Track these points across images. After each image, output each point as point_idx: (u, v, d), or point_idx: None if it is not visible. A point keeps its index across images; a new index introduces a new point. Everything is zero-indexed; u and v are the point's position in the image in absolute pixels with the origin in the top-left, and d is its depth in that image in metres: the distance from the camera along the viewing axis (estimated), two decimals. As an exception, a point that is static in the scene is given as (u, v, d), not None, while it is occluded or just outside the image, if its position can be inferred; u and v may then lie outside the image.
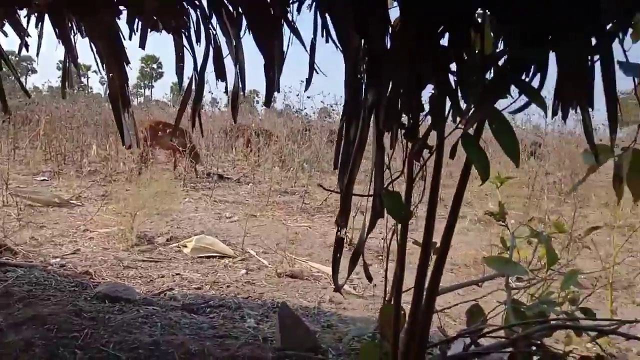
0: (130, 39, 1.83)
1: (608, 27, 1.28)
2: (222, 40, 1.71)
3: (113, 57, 1.93)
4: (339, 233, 1.59)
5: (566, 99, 1.32)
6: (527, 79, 1.30)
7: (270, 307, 2.74)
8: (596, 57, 1.23)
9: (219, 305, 2.77)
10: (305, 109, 11.32)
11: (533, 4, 1.20)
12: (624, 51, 1.28)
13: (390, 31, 1.47)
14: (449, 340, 1.42)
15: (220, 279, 3.44)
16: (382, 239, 3.22)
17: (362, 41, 1.51)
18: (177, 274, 3.50)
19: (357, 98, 1.55)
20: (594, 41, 1.25)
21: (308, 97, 10.04)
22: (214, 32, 1.73)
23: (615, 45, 1.24)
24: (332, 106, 10.84)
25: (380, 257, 4.25)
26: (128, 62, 2.01)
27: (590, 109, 1.31)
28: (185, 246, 4.25)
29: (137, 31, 1.81)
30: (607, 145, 1.36)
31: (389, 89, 1.44)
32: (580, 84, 1.28)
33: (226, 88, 1.72)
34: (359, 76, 1.56)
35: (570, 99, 1.32)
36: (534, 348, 1.36)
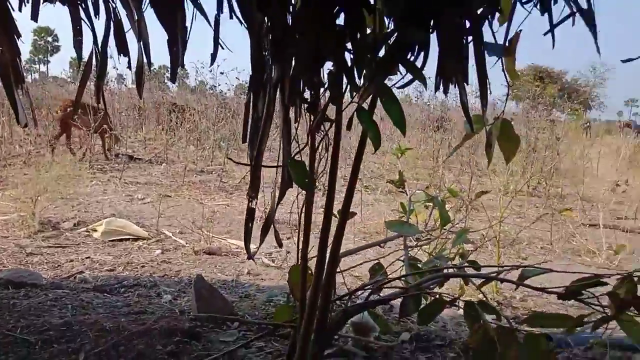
0: (20, 10, 1.72)
1: (479, 11, 1.47)
2: (122, 13, 1.67)
3: (1, 28, 1.80)
4: (250, 204, 1.67)
5: (447, 76, 1.49)
6: (412, 58, 1.45)
7: (187, 283, 2.77)
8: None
9: (133, 285, 2.75)
10: (219, 85, 11.07)
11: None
12: (493, 33, 1.48)
13: (291, 9, 1.55)
14: (352, 293, 1.57)
15: (134, 260, 3.38)
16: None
17: (265, 18, 1.57)
18: (87, 258, 3.38)
19: (263, 73, 1.63)
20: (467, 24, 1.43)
21: (222, 73, 9.79)
22: (114, 5, 1.69)
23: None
24: (246, 83, 10.69)
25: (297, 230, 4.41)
26: (19, 35, 1.89)
27: (466, 84, 1.49)
28: (95, 230, 4.08)
29: (27, 2, 1.72)
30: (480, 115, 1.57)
31: (292, 65, 1.53)
32: (458, 63, 1.45)
33: (129, 63, 1.69)
34: (264, 52, 1.63)
35: (450, 75, 1.48)
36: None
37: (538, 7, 1.42)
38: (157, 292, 2.61)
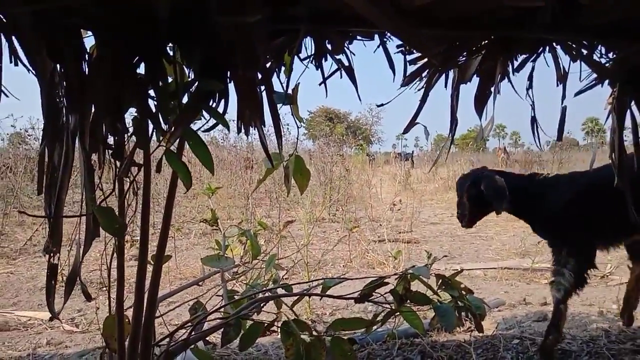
0: None
1: (268, 65, 1.72)
2: None
3: None
4: (51, 259, 1.55)
5: (246, 120, 1.67)
6: (214, 104, 1.60)
7: (-33, 370, 2.30)
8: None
9: None
10: (-12, 135, 9.42)
11: (210, 43, 1.50)
12: (281, 83, 1.74)
13: (87, 57, 1.54)
14: (172, 333, 1.58)
15: None
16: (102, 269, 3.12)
17: (58, 66, 1.53)
18: None
19: (57, 122, 1.57)
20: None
21: (-8, 121, 8.39)
22: None
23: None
24: (27, 131, 9.36)
25: (104, 288, 4.04)
26: None
27: (264, 126, 1.70)
28: None
29: None
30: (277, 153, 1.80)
31: (92, 112, 1.52)
32: (255, 109, 1.65)
33: None
34: (57, 100, 1.58)
35: (249, 120, 1.68)
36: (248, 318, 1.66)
37: (314, 63, 1.74)
38: None
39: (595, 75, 1.80)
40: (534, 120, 1.96)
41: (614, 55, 1.75)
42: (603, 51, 1.77)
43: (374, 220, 7.18)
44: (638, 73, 1.75)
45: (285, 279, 2.55)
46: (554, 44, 1.75)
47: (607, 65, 1.77)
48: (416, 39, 1.46)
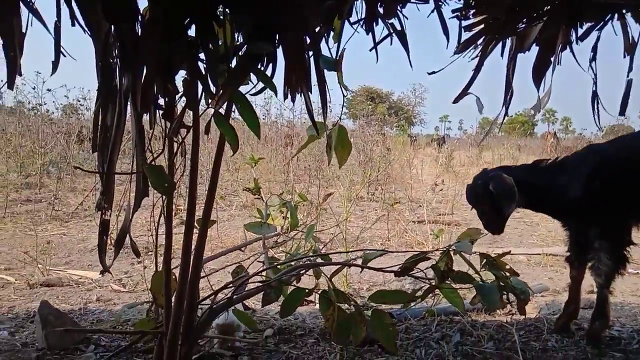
0: None
1: (317, 29, 1.69)
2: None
3: None
4: (103, 215, 1.61)
5: (293, 86, 1.66)
6: (262, 68, 1.59)
7: (26, 318, 2.45)
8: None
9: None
10: (45, 104, 9.84)
11: (260, 5, 1.48)
12: (329, 49, 1.71)
13: (140, 18, 1.56)
14: (216, 293, 1.62)
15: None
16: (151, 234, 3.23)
17: (112, 27, 1.56)
18: None
19: (111, 83, 1.60)
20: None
21: (48, 90, 8.75)
22: None
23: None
24: (79, 101, 9.71)
25: (151, 253, 4.20)
26: None
27: (310, 93, 1.68)
28: None
29: None
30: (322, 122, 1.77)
31: (144, 74, 1.54)
32: (302, 74, 1.62)
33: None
34: (111, 61, 1.61)
35: (296, 86, 1.66)
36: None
37: (364, 27, 1.70)
38: (-14, 333, 2.26)
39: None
40: (595, 95, 1.83)
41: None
42: (680, 19, 1.63)
43: (414, 201, 7.08)
44: None
45: (331, 253, 2.55)
46: (624, 10, 1.63)
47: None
48: None
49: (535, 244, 5.01)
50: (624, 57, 1.72)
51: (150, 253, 4.49)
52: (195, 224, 1.70)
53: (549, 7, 1.62)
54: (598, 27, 1.69)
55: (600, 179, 2.08)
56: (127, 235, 1.63)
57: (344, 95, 1.93)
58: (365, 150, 9.29)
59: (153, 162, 1.54)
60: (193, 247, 1.64)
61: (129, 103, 1.57)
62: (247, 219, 5.89)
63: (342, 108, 2.21)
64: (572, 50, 1.75)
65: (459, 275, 1.92)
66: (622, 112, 1.82)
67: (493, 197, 2.17)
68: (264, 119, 11.29)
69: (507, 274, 1.99)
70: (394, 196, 7.44)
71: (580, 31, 1.70)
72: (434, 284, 1.94)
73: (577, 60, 1.78)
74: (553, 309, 2.88)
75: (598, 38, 1.77)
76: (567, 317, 2.25)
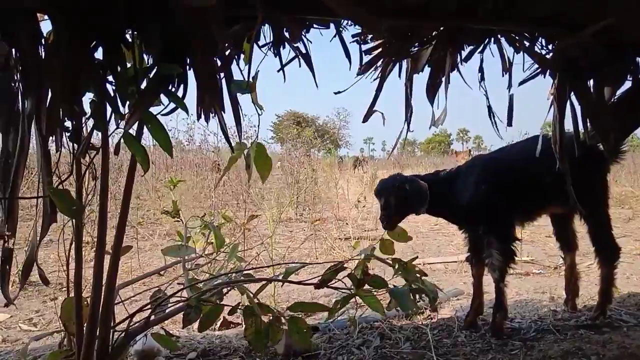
0: None
1: (227, 53, 1.76)
2: None
3: None
4: (6, 243, 1.54)
5: (205, 106, 1.70)
6: (174, 89, 1.62)
7: None
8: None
9: None
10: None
11: (169, 29, 1.53)
12: (242, 71, 1.78)
13: (44, 41, 1.54)
14: (132, 315, 1.59)
15: None
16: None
17: (14, 50, 1.53)
18: None
19: (13, 107, 1.56)
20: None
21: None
22: None
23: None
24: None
25: (64, 289, 3.94)
26: None
27: (223, 113, 1.73)
28: None
29: None
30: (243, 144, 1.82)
31: (49, 97, 1.51)
32: (214, 94, 1.68)
33: None
34: (12, 84, 1.57)
35: (208, 106, 1.70)
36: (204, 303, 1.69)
37: (272, 50, 1.79)
38: None
39: (536, 65, 1.93)
40: (490, 109, 2.06)
41: (553, 46, 1.88)
42: (543, 43, 1.90)
43: (341, 220, 7.26)
44: (576, 64, 1.88)
45: (254, 268, 2.56)
46: (499, 35, 1.87)
47: (547, 56, 1.90)
48: (373, 25, 1.52)
49: (452, 253, 5.33)
50: (502, 75, 1.97)
51: (64, 289, 4.21)
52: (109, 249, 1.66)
53: (436, 32, 1.82)
54: (479, 50, 1.92)
55: (484, 184, 2.36)
56: (35, 264, 1.57)
57: (259, 115, 2.00)
58: (292, 173, 9.42)
59: (61, 186, 1.50)
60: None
61: (32, 126, 1.54)
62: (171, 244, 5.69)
63: (258, 128, 2.28)
64: (459, 71, 1.97)
65: (374, 280, 2.03)
66: (509, 123, 2.07)
67: (407, 196, 2.36)
68: (187, 144, 11.08)
69: (418, 275, 2.13)
70: (322, 216, 7.59)
71: (465, 54, 1.92)
72: (353, 292, 2.04)
73: (464, 80, 2.01)
74: (467, 310, 3.09)
75: (482, 60, 2.01)
76: (474, 313, 2.46)
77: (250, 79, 1.80)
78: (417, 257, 2.36)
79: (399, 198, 2.38)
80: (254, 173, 1.92)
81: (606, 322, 2.32)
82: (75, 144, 1.55)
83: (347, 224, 6.62)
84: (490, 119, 2.07)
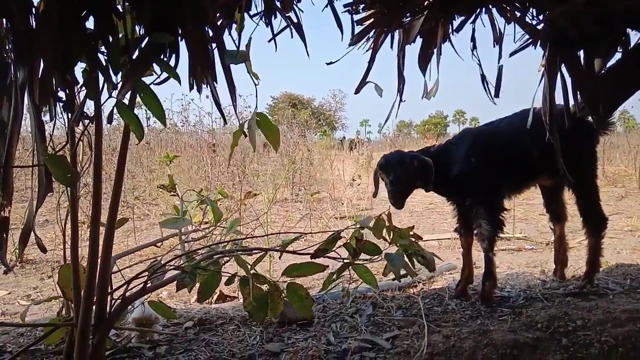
0: None
1: (219, 22, 1.76)
2: None
3: None
4: (2, 212, 1.56)
5: (197, 77, 1.70)
6: (165, 59, 1.63)
7: None
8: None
9: None
10: None
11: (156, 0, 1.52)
12: (233, 40, 1.78)
13: (34, 11, 1.54)
14: (129, 282, 1.62)
15: None
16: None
17: (4, 20, 1.53)
18: None
19: (5, 77, 1.56)
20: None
21: None
22: None
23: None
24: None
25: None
26: None
27: (216, 83, 1.73)
28: None
29: None
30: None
31: (42, 66, 1.52)
32: (206, 64, 1.69)
33: None
34: (4, 54, 1.57)
35: (201, 76, 1.70)
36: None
37: (264, 20, 1.79)
38: None
39: (527, 37, 1.94)
40: (483, 77, 2.07)
41: (544, 17, 1.88)
42: (534, 13, 1.91)
43: (336, 200, 7.30)
44: (566, 35, 1.89)
45: (251, 237, 2.59)
46: (490, 5, 1.87)
47: (538, 27, 1.91)
48: None
49: (446, 230, 5.39)
50: (494, 47, 1.98)
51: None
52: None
53: (427, 2, 1.82)
54: (470, 20, 1.92)
55: (474, 156, 2.39)
56: (32, 232, 1.59)
57: (255, 84, 1.99)
58: (288, 154, 9.41)
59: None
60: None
61: (26, 96, 1.54)
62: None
63: (256, 97, 2.27)
64: (451, 42, 1.97)
65: (368, 246, 2.06)
66: (497, 94, 2.08)
67: (416, 171, 2.39)
68: (182, 125, 11.04)
69: (412, 239, 2.16)
70: (318, 196, 7.63)
71: (456, 24, 1.92)
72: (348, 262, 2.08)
73: (455, 50, 2.02)
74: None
75: (473, 30, 2.01)
76: (464, 282, 2.51)
77: (243, 48, 1.81)
78: (413, 227, 2.39)
79: (409, 174, 2.40)
80: (240, 151, 1.94)
81: (593, 290, 2.38)
82: (69, 113, 1.56)
83: (342, 203, 6.67)
84: (484, 87, 2.08)
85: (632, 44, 2.04)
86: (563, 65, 1.98)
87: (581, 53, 1.98)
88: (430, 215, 6.32)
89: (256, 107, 1.98)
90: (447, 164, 2.43)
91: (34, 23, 1.54)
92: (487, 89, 2.07)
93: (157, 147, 9.59)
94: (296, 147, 9.55)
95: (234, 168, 9.15)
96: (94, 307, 1.52)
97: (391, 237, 2.15)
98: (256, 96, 1.99)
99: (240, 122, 1.88)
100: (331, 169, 9.08)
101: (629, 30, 2.01)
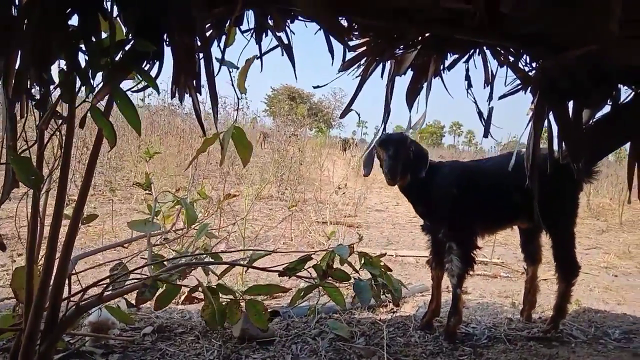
0: None
1: (208, 33, 1.72)
2: None
3: None
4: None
5: (181, 86, 1.67)
6: (147, 66, 1.59)
7: None
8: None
9: None
10: None
11: (145, 3, 1.48)
12: (221, 51, 1.75)
13: (17, 2, 1.49)
14: (86, 289, 1.59)
15: None
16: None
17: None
18: None
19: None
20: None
21: None
22: None
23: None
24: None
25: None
26: None
27: (199, 94, 1.70)
28: None
29: None
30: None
31: (18, 60, 1.47)
32: (191, 74, 1.65)
33: None
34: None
35: (183, 86, 1.67)
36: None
37: (254, 37, 1.76)
38: None
39: (519, 81, 1.93)
40: (480, 114, 2.06)
41: (537, 65, 1.87)
42: (528, 60, 1.89)
43: (321, 203, 7.29)
44: (556, 84, 1.88)
45: (222, 252, 2.55)
46: (485, 48, 1.85)
47: (530, 73, 1.90)
48: (336, 27, 1.50)
49: (426, 247, 5.41)
50: (484, 87, 1.96)
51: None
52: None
53: (422, 37, 1.80)
54: (464, 59, 1.90)
55: (456, 188, 2.39)
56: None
57: (239, 98, 1.97)
58: (279, 150, 9.37)
59: (26, 154, 1.47)
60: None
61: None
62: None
63: (237, 112, 2.25)
64: (441, 78, 1.95)
65: (337, 273, 2.06)
66: (485, 134, 2.08)
67: (414, 153, 2.40)
68: (178, 109, 10.95)
69: (383, 270, 2.16)
70: (303, 197, 7.61)
71: (448, 62, 1.90)
72: (317, 282, 2.07)
73: (446, 88, 2.01)
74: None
75: (467, 69, 2.00)
76: (431, 314, 2.51)
77: (237, 63, 1.78)
78: (385, 254, 2.38)
79: (407, 152, 2.39)
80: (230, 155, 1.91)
81: (557, 336, 2.39)
82: (41, 112, 1.51)
83: (326, 207, 6.66)
84: (482, 122, 2.07)
85: (622, 99, 2.04)
86: (551, 112, 1.98)
87: (571, 103, 1.98)
88: (412, 229, 6.32)
89: (235, 120, 1.97)
90: (433, 183, 2.43)
91: (15, 12, 1.49)
92: (485, 125, 2.07)
93: (150, 127, 9.50)
94: (288, 144, 9.51)
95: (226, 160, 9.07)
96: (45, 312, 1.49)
97: (362, 263, 2.14)
98: (237, 110, 1.97)
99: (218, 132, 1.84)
100: (320, 171, 9.05)
101: (620, 85, 2.01)
